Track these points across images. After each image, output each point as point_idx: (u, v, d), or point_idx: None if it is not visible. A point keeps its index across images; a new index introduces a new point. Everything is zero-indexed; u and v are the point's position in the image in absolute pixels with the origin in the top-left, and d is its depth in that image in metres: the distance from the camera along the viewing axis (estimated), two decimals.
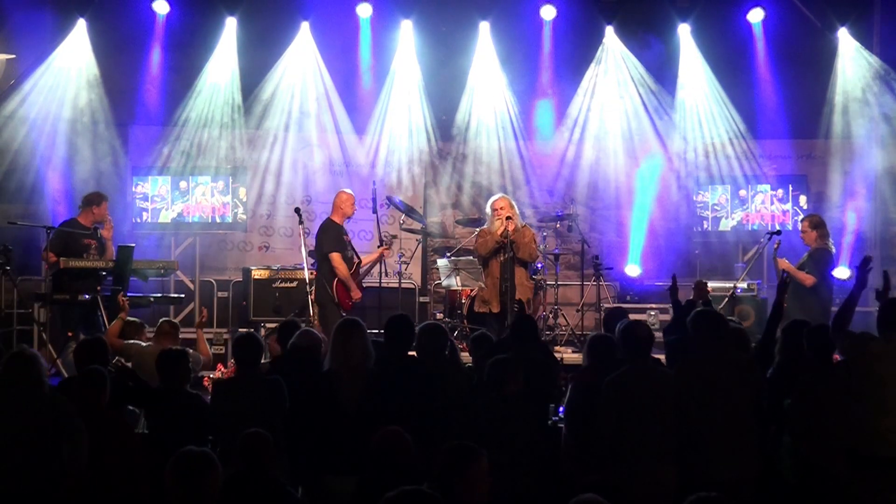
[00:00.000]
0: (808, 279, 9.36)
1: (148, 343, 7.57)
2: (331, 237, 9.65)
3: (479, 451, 4.09)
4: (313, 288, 9.48)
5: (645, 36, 12.27)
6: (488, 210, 9.77)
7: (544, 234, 11.62)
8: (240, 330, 6.57)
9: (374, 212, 10.54)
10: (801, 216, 10.78)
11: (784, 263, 9.37)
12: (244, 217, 12.13)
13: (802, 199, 12.05)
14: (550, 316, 11.25)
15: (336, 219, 9.76)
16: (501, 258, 9.49)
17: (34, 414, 5.24)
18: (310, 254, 9.74)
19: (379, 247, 10.06)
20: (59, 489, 5.13)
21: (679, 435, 5.53)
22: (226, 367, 8.38)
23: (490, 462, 4.06)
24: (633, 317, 10.17)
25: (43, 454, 5.16)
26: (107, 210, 9.73)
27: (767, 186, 12.16)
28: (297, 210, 9.68)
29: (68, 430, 5.24)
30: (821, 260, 9.46)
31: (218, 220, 12.01)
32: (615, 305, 9.94)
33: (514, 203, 9.74)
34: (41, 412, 5.24)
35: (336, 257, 9.54)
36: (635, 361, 5.68)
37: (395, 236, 10.19)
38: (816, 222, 9.71)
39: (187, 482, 4.07)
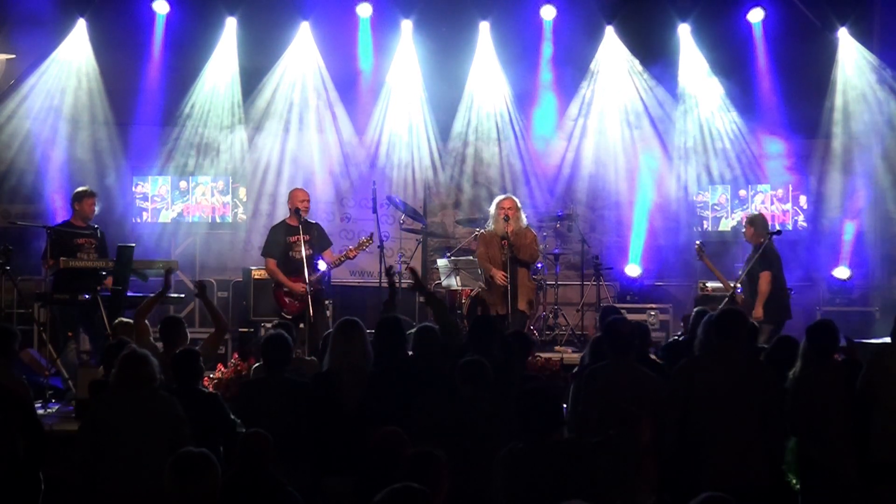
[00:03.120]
0: (764, 281, 9.22)
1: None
2: (267, 240, 9.70)
3: (439, 456, 4.17)
4: (313, 288, 9.43)
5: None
6: (493, 209, 9.74)
7: (544, 234, 11.63)
8: (269, 329, 6.51)
9: (374, 212, 10.54)
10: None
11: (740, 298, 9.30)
12: (244, 217, 12.13)
13: (802, 199, 12.07)
14: (550, 316, 11.27)
15: (287, 219, 9.63)
16: (501, 258, 9.47)
17: (150, 414, 5.33)
18: (310, 255, 9.68)
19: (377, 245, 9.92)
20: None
21: (669, 437, 5.50)
22: (226, 367, 8.37)
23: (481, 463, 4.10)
24: (632, 317, 10.30)
25: (156, 453, 5.23)
26: (93, 206, 9.60)
27: (767, 186, 12.17)
28: (296, 210, 9.64)
29: (178, 429, 5.33)
30: (764, 253, 9.34)
31: (218, 220, 12.01)
32: (609, 305, 9.92)
33: (519, 205, 9.71)
34: (156, 412, 5.34)
35: (268, 263, 9.58)
36: (616, 358, 5.67)
37: (370, 236, 10.02)
38: (751, 219, 9.71)
39: (186, 483, 4.06)
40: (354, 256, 9.76)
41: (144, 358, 5.47)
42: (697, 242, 10.20)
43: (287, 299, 9.45)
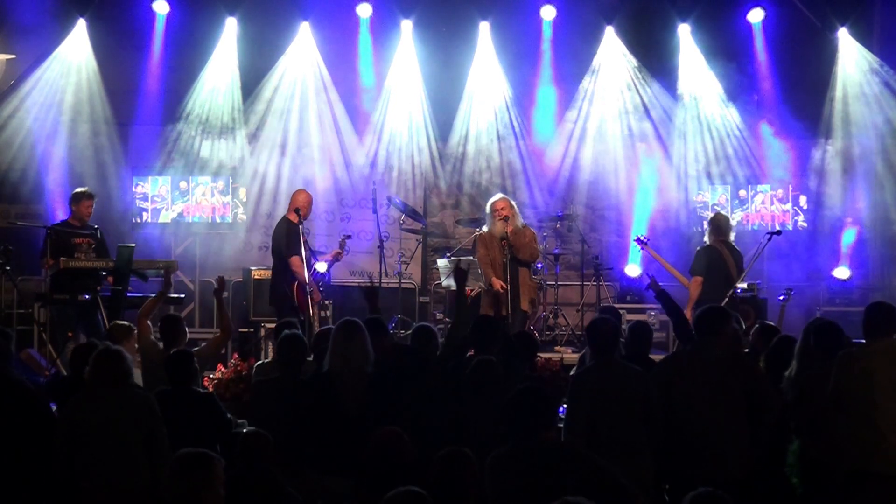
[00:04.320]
0: (693, 285, 9.31)
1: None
2: (290, 239, 9.32)
3: (469, 456, 4.15)
4: (311, 289, 9.40)
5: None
6: (488, 210, 9.72)
7: (544, 234, 11.63)
8: (241, 331, 6.48)
9: (374, 212, 10.55)
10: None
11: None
12: (244, 217, 12.12)
13: (802, 199, 12.07)
14: (550, 316, 11.27)
15: (293, 218, 9.39)
16: (502, 259, 9.43)
17: (125, 412, 5.32)
18: (312, 254, 9.67)
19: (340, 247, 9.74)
20: (146, 486, 5.19)
21: (659, 431, 5.53)
22: (226, 367, 8.37)
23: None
24: (632, 317, 10.33)
25: (131, 451, 5.25)
26: (90, 208, 9.57)
27: (767, 186, 12.18)
28: (296, 210, 9.62)
29: (153, 427, 5.32)
30: (698, 256, 9.46)
31: (218, 220, 12.00)
32: (609, 305, 9.91)
33: (513, 203, 9.66)
34: (130, 410, 5.33)
35: (296, 261, 9.18)
36: (600, 358, 5.69)
37: (348, 236, 9.95)
38: (709, 220, 9.74)
39: (187, 483, 4.05)
40: (341, 257, 9.74)
41: (118, 355, 5.45)
42: (637, 237, 10.28)
43: (306, 297, 9.22)
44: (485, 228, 9.65)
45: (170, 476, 4.03)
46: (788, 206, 12.02)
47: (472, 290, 10.02)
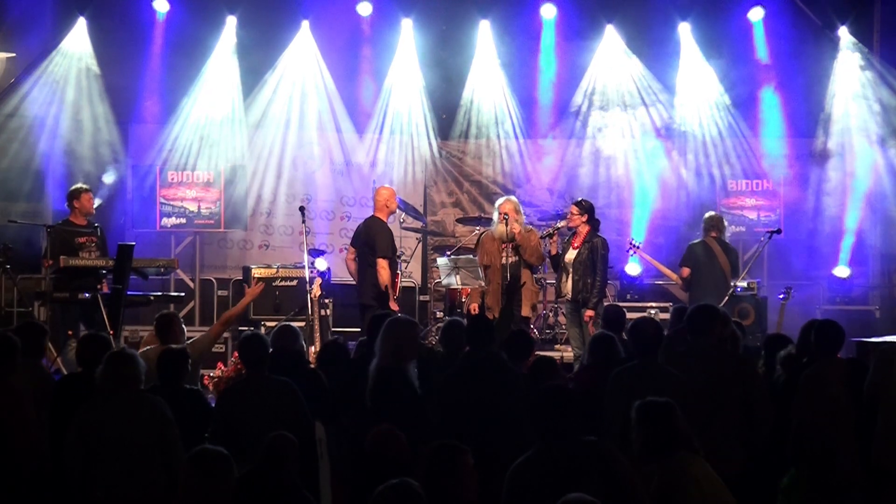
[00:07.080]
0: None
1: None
2: (391, 240, 9.21)
3: (463, 448, 4.09)
4: (313, 287, 9.39)
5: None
6: (495, 212, 9.69)
7: (542, 234, 11.60)
8: (241, 329, 6.45)
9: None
10: None
11: None
12: (244, 217, 12.12)
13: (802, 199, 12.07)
14: (550, 314, 11.26)
15: (382, 217, 9.26)
16: (503, 261, 9.41)
17: (136, 415, 5.26)
18: (310, 252, 9.67)
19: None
20: (161, 491, 5.14)
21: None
22: (226, 365, 8.37)
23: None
24: (633, 315, 10.29)
25: (146, 456, 5.21)
26: (91, 201, 9.62)
27: (767, 185, 12.16)
28: (301, 209, 9.57)
29: (166, 433, 5.26)
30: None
31: (218, 220, 12.00)
32: (612, 304, 9.90)
33: (519, 207, 9.62)
34: (143, 414, 5.27)
35: (382, 263, 9.00)
36: (642, 358, 5.71)
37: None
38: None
39: (206, 481, 4.02)
40: None
41: (131, 359, 5.39)
42: (629, 240, 10.42)
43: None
44: (492, 228, 9.66)
45: (186, 472, 4.01)
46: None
47: (471, 289, 10.01)
